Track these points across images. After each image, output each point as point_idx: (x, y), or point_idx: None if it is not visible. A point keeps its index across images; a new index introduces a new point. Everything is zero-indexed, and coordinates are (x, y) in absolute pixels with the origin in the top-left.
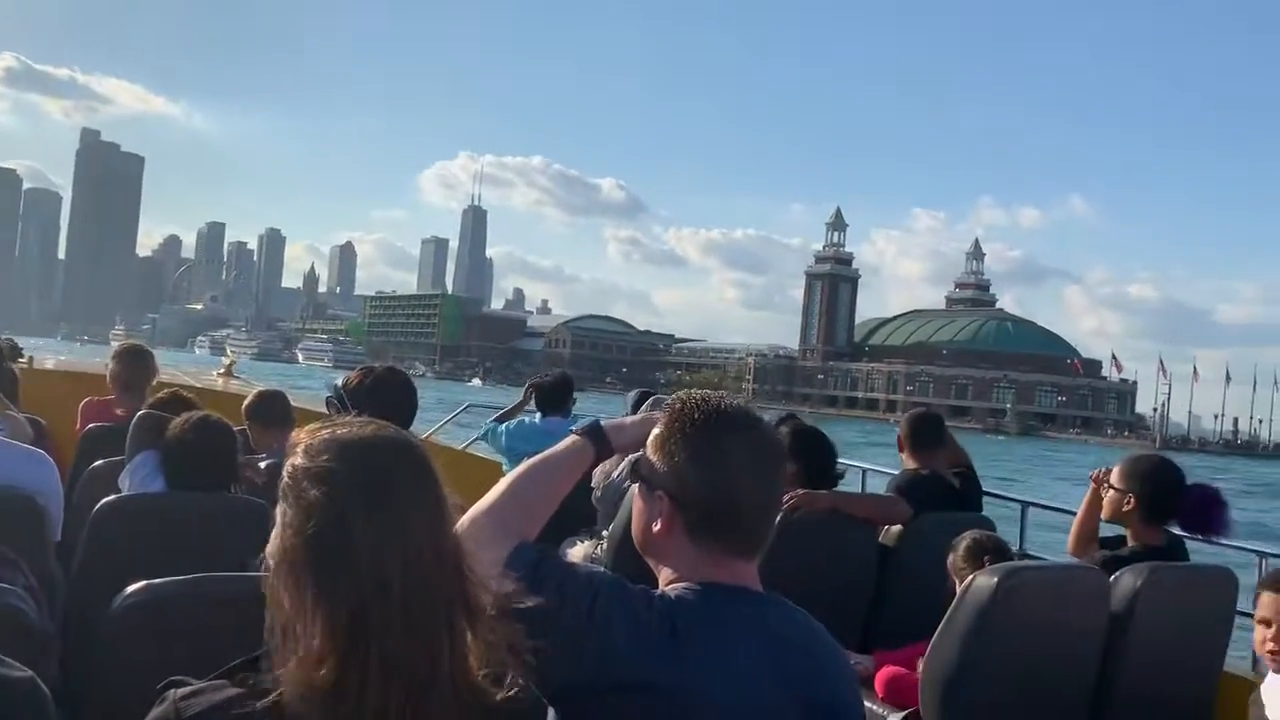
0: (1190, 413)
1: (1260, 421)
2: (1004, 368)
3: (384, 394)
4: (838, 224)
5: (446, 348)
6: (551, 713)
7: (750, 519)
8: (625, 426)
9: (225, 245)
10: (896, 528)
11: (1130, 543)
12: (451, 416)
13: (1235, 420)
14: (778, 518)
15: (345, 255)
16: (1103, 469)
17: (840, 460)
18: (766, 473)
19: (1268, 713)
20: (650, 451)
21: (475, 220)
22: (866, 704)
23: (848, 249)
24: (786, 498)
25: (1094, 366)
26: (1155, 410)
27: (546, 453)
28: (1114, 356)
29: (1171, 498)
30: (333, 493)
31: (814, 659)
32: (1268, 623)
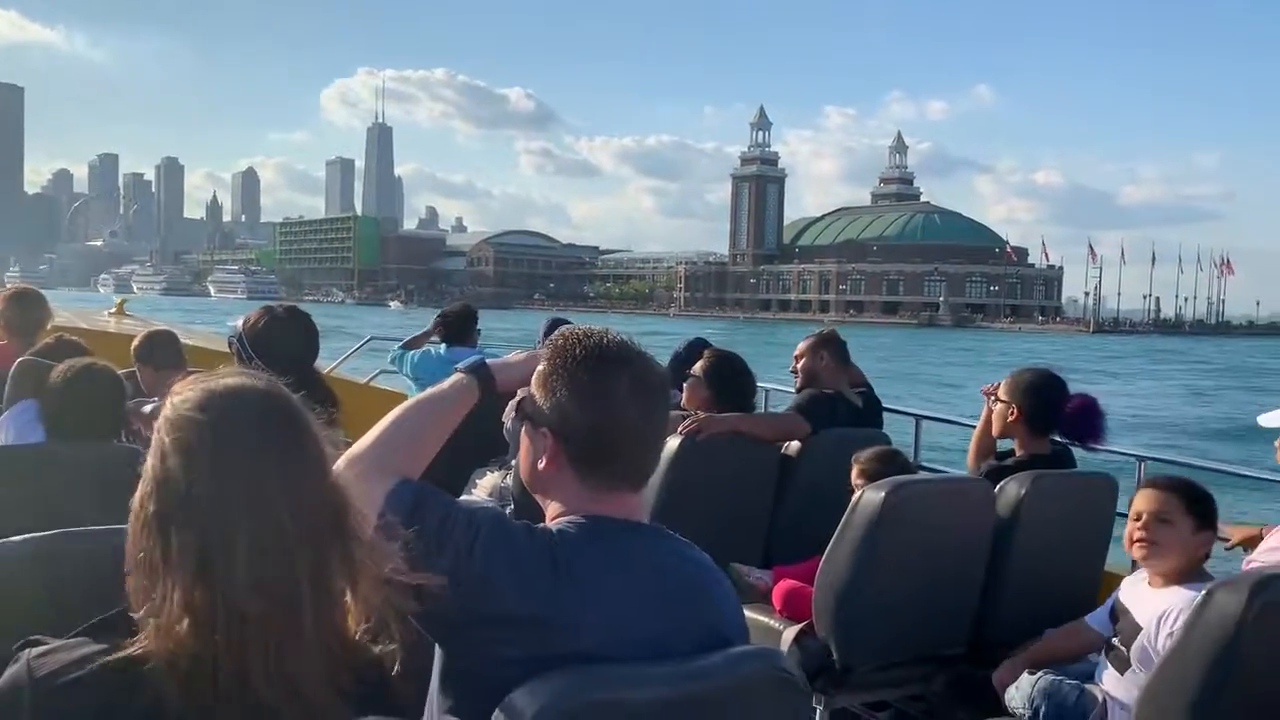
0: (1119, 294)
1: (1185, 300)
2: (933, 260)
3: (284, 334)
4: (761, 123)
5: (364, 272)
6: (438, 652)
7: (634, 452)
8: (510, 365)
9: (120, 178)
10: (797, 445)
11: (1018, 453)
12: (354, 350)
13: (1158, 300)
14: (679, 445)
15: (248, 182)
16: (994, 384)
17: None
18: (649, 406)
19: (1136, 617)
20: (534, 389)
21: (381, 138)
22: (765, 618)
23: (771, 149)
24: (688, 421)
25: (1020, 254)
26: (1086, 294)
27: (431, 391)
28: (1043, 243)
29: (1053, 408)
30: (182, 442)
31: (697, 588)
32: (1139, 516)
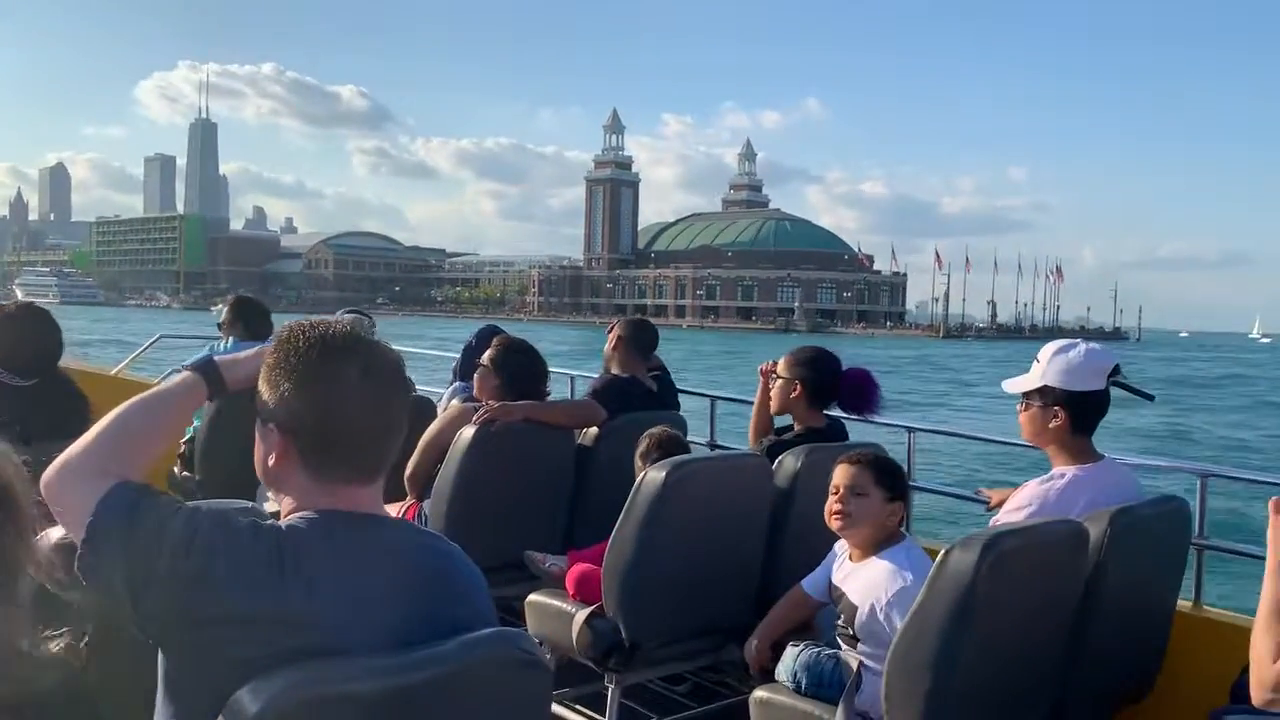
0: (964, 300)
1: (1025, 305)
2: (786, 266)
3: (22, 334)
4: (615, 126)
5: (191, 274)
6: (160, 657)
7: (363, 444)
8: (239, 361)
9: None
10: (593, 430)
11: (796, 428)
12: (141, 350)
13: (994, 305)
14: (473, 435)
15: (57, 178)
16: (769, 362)
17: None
18: (379, 396)
19: (850, 597)
20: (261, 384)
21: (205, 134)
22: (558, 602)
23: (625, 152)
24: (480, 411)
25: (868, 261)
26: (936, 299)
27: (154, 390)
28: (893, 250)
29: (832, 381)
30: None
31: (437, 576)
32: (836, 489)
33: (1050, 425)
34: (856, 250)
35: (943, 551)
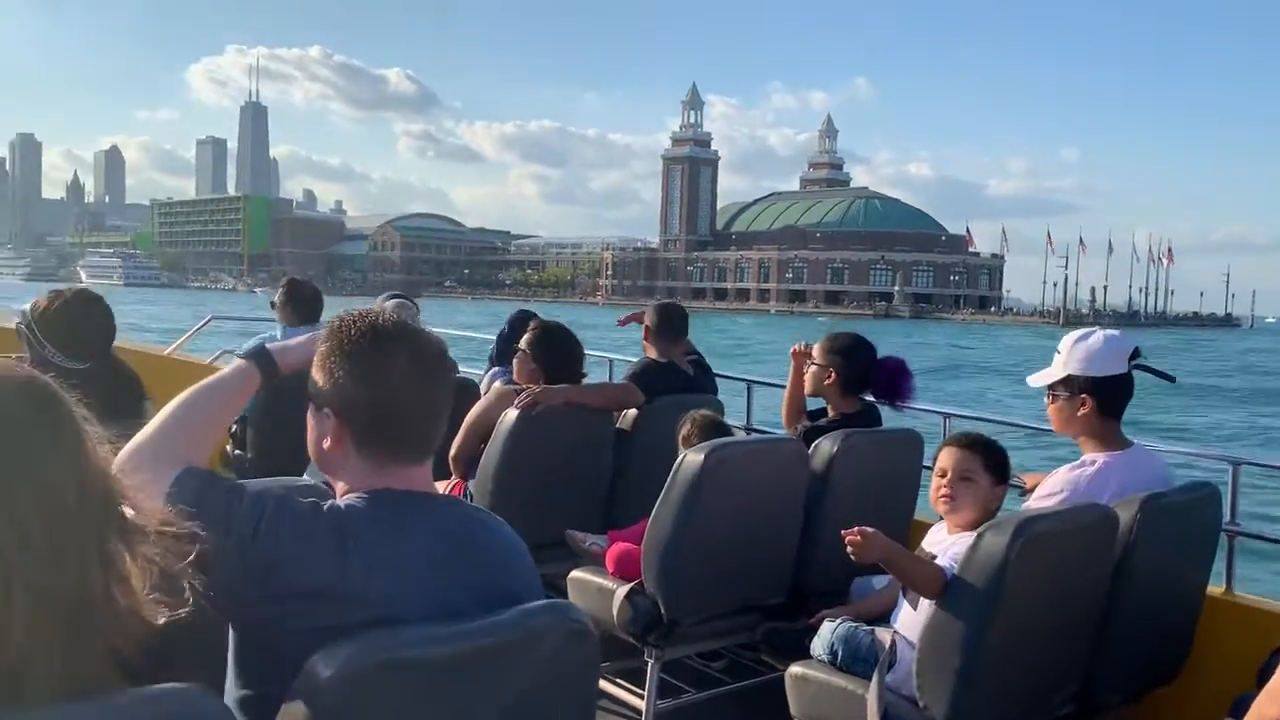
0: (1076, 285)
1: (1140, 290)
2: (879, 248)
3: (76, 318)
4: (693, 101)
5: (255, 257)
6: (231, 632)
7: (413, 426)
8: (290, 348)
9: None
10: (633, 413)
11: (830, 413)
12: (194, 331)
13: (1093, 290)
14: (515, 419)
15: (112, 161)
16: (804, 344)
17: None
18: (427, 380)
19: (935, 555)
20: (315, 371)
21: (255, 118)
22: (599, 579)
23: (704, 129)
24: (523, 396)
25: (962, 242)
26: (1055, 285)
27: (212, 378)
28: (1003, 232)
29: (866, 370)
30: None
31: (489, 555)
32: (943, 472)
33: (1079, 414)
34: (965, 232)
35: (975, 534)
